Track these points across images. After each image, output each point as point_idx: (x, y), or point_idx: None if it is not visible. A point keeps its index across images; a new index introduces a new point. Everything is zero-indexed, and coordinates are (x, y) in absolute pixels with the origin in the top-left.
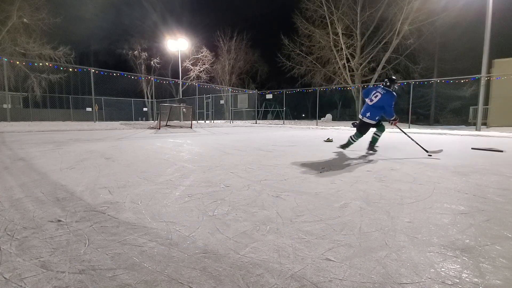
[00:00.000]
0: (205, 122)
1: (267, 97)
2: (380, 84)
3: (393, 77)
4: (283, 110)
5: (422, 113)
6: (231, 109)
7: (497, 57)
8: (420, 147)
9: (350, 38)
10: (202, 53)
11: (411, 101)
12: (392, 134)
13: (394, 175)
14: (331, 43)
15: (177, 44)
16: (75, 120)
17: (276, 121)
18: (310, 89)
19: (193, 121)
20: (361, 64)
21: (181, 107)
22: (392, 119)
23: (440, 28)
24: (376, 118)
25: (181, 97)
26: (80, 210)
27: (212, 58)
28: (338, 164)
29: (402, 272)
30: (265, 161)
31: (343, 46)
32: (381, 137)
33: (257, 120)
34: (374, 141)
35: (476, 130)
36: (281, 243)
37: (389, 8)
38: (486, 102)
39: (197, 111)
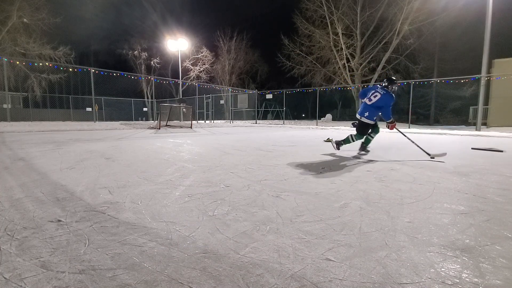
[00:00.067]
0: (205, 122)
1: (267, 97)
2: (379, 84)
3: (393, 78)
4: (283, 110)
5: (422, 113)
6: (231, 109)
7: (497, 57)
8: (422, 150)
9: (350, 38)
10: (202, 53)
11: (411, 101)
12: (392, 134)
13: (394, 175)
14: (331, 43)
15: (177, 44)
16: (75, 120)
17: (276, 121)
18: (310, 89)
19: (193, 121)
20: (361, 64)
21: (181, 107)
22: (389, 121)
23: (440, 28)
24: (374, 119)
25: (181, 97)
26: (80, 210)
27: (212, 58)
28: (338, 164)
29: (402, 272)
30: (265, 161)
31: (343, 46)
32: (374, 139)
33: (257, 120)
34: (367, 142)
35: (476, 130)
36: (281, 243)
37: (389, 8)
38: (486, 102)
39: (197, 111)
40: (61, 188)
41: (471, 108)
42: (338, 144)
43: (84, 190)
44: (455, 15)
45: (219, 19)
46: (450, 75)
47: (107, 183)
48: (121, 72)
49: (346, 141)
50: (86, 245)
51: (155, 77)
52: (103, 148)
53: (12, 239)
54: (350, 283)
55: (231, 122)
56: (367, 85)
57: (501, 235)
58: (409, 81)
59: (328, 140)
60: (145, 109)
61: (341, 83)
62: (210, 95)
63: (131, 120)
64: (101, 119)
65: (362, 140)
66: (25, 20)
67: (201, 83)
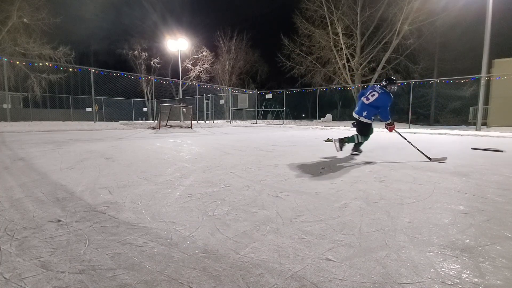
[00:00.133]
0: (205, 122)
1: (267, 97)
2: (378, 84)
3: (392, 77)
4: (283, 110)
5: (422, 113)
6: (231, 109)
7: (497, 57)
8: (423, 154)
9: (350, 38)
10: (202, 53)
11: (411, 101)
12: (392, 134)
13: (394, 175)
14: (331, 43)
15: (177, 44)
16: (75, 120)
17: (276, 121)
18: (310, 89)
19: (193, 121)
20: (361, 64)
21: (181, 107)
22: (388, 123)
23: (440, 28)
24: (372, 118)
25: (181, 97)
26: (80, 210)
27: (212, 58)
28: (338, 164)
29: (402, 272)
30: (265, 161)
31: (343, 46)
32: (368, 140)
33: (257, 120)
34: (360, 142)
35: (476, 130)
36: (281, 243)
37: (389, 8)
38: (486, 102)
39: (197, 111)
40: (61, 188)
41: (471, 108)
42: (341, 142)
43: (84, 190)
44: (455, 15)
45: (219, 19)
46: (450, 75)
47: (107, 183)
48: (121, 72)
49: (351, 139)
50: (86, 245)
51: (155, 77)
52: (103, 148)
53: (12, 239)
54: (350, 283)
55: (231, 122)
56: (367, 85)
57: (501, 235)
58: (409, 81)
59: (329, 140)
60: (145, 109)
61: (341, 83)
62: (210, 95)
63: (131, 120)
64: (101, 119)
65: (367, 140)
66: (25, 20)
67: (201, 83)
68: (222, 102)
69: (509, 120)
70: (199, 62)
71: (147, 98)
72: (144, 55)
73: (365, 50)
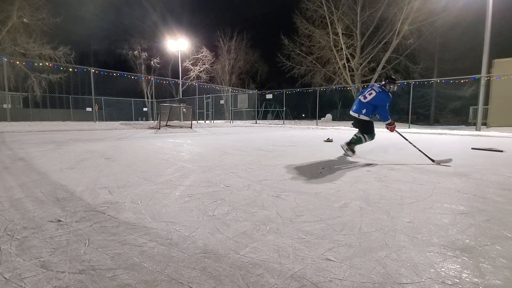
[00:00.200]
0: (205, 122)
1: (267, 97)
2: (378, 83)
3: (392, 77)
4: (283, 110)
5: (422, 113)
6: (231, 109)
7: (497, 57)
8: (426, 156)
9: (350, 38)
10: (202, 53)
11: (411, 101)
12: (392, 134)
13: (394, 175)
14: (331, 43)
15: (177, 44)
16: (75, 120)
17: (276, 121)
18: (310, 89)
19: (193, 121)
20: (361, 64)
21: (181, 107)
22: (387, 123)
23: (440, 28)
24: (370, 116)
25: (181, 97)
26: (80, 210)
27: (212, 58)
28: (338, 164)
29: (402, 272)
30: (265, 161)
31: (343, 46)
32: (374, 139)
33: (257, 120)
34: (355, 142)
35: (476, 130)
36: (281, 243)
37: (389, 8)
38: (486, 102)
39: (197, 111)
40: (61, 188)
41: (471, 108)
42: (349, 145)
43: (84, 190)
44: (455, 15)
45: (219, 19)
46: (450, 75)
47: (107, 183)
48: (121, 72)
49: (359, 140)
50: (86, 245)
51: (155, 77)
52: (103, 148)
53: (12, 239)
54: (350, 283)
55: (231, 122)
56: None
57: (501, 235)
58: (409, 81)
59: (329, 140)
60: (145, 109)
61: (341, 83)
62: (210, 95)
63: (131, 120)
64: (101, 119)
65: (373, 139)
66: (25, 20)
67: (201, 83)
68: (222, 102)
69: (509, 120)
70: (199, 62)
71: (147, 98)
72: (144, 55)
73: (365, 50)
